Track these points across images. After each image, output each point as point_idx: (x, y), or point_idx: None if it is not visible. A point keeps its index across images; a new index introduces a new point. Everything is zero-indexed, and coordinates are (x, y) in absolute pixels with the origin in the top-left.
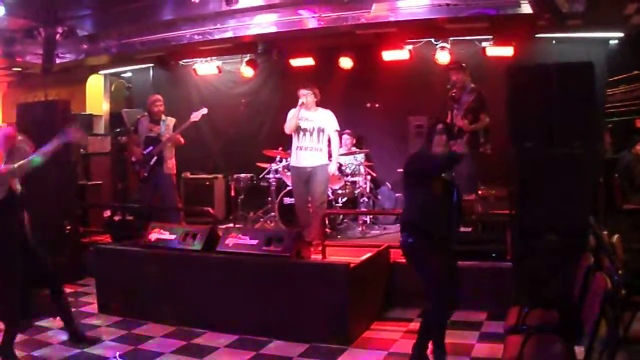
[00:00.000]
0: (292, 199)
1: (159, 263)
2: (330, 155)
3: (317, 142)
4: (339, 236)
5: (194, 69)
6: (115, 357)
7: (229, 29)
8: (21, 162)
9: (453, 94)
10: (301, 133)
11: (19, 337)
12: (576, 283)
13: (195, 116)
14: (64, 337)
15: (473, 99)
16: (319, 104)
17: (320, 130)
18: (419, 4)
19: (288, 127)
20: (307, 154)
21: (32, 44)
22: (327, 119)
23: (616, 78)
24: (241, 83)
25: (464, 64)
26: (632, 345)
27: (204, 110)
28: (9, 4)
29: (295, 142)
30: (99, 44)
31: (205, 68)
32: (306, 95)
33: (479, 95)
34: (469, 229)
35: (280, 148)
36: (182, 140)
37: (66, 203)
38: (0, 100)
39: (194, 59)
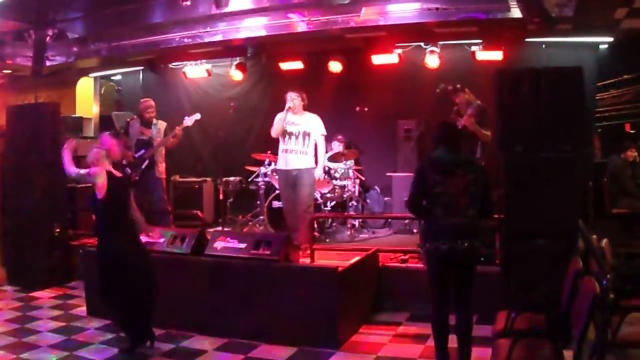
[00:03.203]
0: (281, 203)
1: None
2: (317, 160)
3: (303, 145)
4: (327, 240)
5: (184, 72)
6: None
7: (219, 32)
8: None
9: (457, 109)
10: (287, 136)
11: (8, 340)
12: (565, 287)
13: (188, 121)
14: (53, 339)
15: (476, 113)
16: (307, 108)
17: (306, 134)
18: (409, 8)
19: (274, 131)
20: (292, 156)
21: (22, 46)
22: (313, 124)
23: (605, 82)
24: (230, 86)
25: (458, 85)
26: (621, 348)
27: (197, 116)
28: None
29: (281, 145)
30: (89, 47)
31: (195, 71)
32: (293, 99)
33: (483, 110)
34: None
35: (269, 151)
36: (176, 140)
37: (55, 206)
38: None
39: (184, 62)
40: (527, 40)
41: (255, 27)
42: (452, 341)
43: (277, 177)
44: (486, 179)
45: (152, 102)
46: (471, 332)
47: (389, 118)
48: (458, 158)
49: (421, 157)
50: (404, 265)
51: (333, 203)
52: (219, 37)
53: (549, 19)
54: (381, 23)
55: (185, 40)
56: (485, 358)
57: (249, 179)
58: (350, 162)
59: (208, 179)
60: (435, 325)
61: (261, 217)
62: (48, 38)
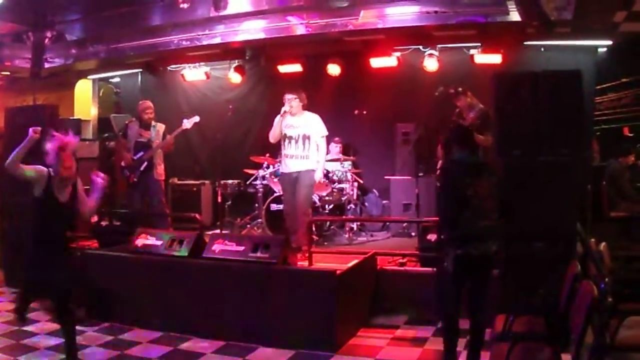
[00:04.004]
0: (279, 206)
1: (146, 269)
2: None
3: (303, 149)
4: (325, 243)
5: (182, 75)
6: None
7: (217, 35)
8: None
9: (459, 111)
10: (287, 141)
11: (6, 342)
12: (563, 290)
13: (187, 123)
14: (50, 342)
15: (478, 116)
16: (307, 108)
17: (306, 138)
18: (407, 11)
19: (272, 136)
20: (293, 161)
21: (20, 48)
22: (313, 125)
23: (604, 86)
24: (229, 89)
25: (460, 88)
26: (619, 352)
27: (196, 118)
28: None
29: (282, 150)
30: (87, 49)
31: (194, 74)
32: (290, 101)
33: (485, 114)
34: None
35: (268, 154)
36: (172, 147)
37: None
38: None
39: (182, 65)
40: (525, 43)
41: (253, 30)
42: (436, 344)
43: (276, 180)
44: (501, 181)
45: (150, 104)
46: (485, 334)
47: (387, 121)
48: (479, 161)
49: (419, 160)
50: (402, 268)
51: (331, 206)
52: (217, 40)
53: (547, 23)
54: (380, 26)
55: (184, 42)
56: None
57: (247, 182)
58: (348, 164)
59: (206, 181)
60: (448, 331)
61: (259, 220)
62: (47, 40)
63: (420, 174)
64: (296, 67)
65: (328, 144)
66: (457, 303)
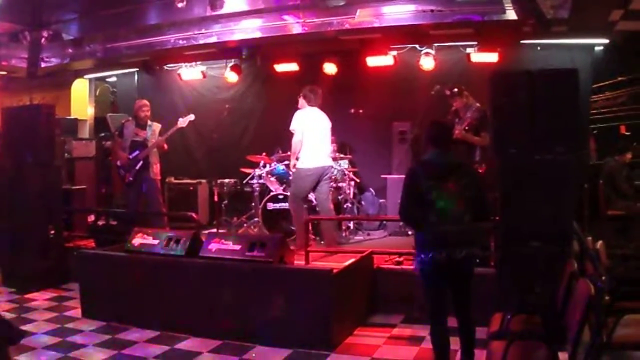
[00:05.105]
0: (276, 205)
1: (143, 268)
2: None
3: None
4: (322, 242)
5: (179, 74)
6: None
7: (214, 34)
8: None
9: (455, 109)
10: None
11: None
12: (560, 289)
13: (182, 122)
14: (47, 341)
15: (476, 117)
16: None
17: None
18: (404, 10)
19: None
20: None
21: (17, 47)
22: None
23: (601, 84)
24: (225, 88)
25: (455, 89)
26: (616, 350)
27: (191, 117)
28: None
29: None
30: (84, 48)
31: (190, 73)
32: None
33: (483, 114)
34: None
35: (264, 153)
36: (165, 146)
37: (50, 207)
38: None
39: (179, 64)
40: (522, 42)
41: (250, 29)
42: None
43: (272, 179)
44: (478, 181)
45: (146, 102)
46: (474, 334)
47: (383, 120)
48: (450, 161)
49: (416, 159)
50: (398, 267)
51: None
52: (213, 39)
53: (544, 21)
54: (376, 25)
55: (180, 41)
56: None
57: (244, 181)
58: (345, 163)
59: (203, 180)
60: (435, 338)
61: (256, 219)
62: (43, 39)
63: None
64: (292, 66)
65: None
66: (439, 309)
